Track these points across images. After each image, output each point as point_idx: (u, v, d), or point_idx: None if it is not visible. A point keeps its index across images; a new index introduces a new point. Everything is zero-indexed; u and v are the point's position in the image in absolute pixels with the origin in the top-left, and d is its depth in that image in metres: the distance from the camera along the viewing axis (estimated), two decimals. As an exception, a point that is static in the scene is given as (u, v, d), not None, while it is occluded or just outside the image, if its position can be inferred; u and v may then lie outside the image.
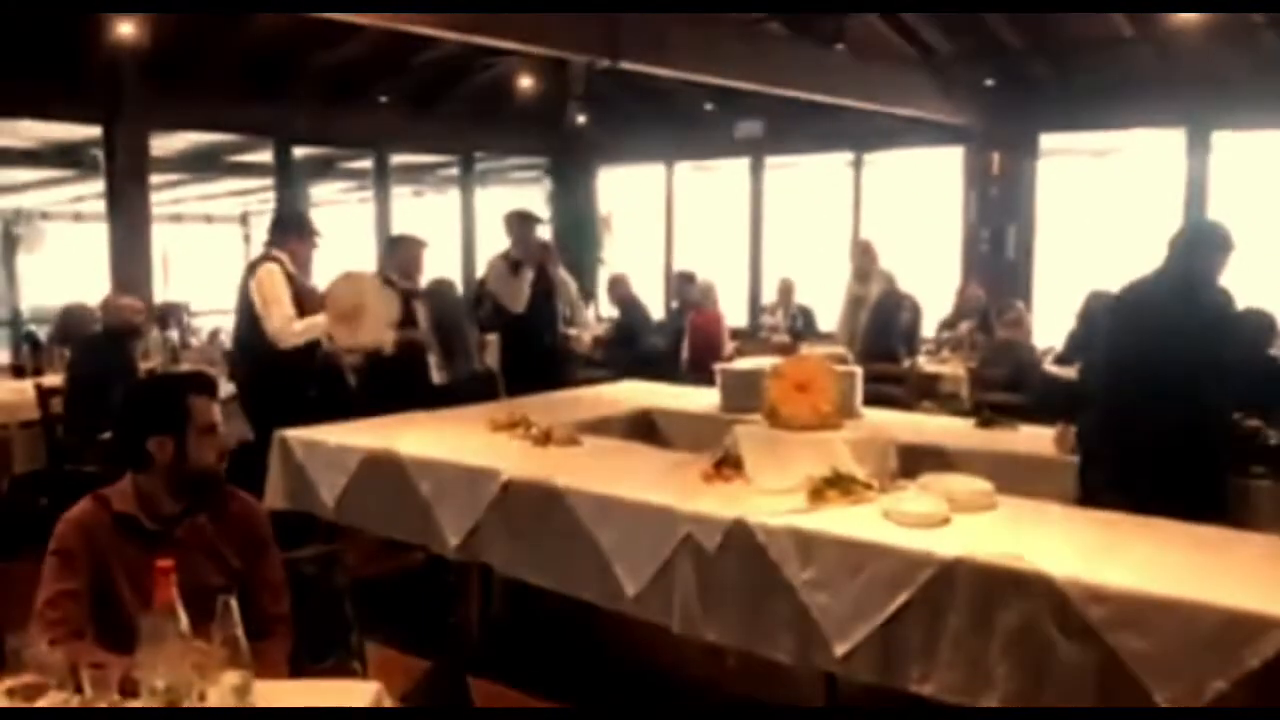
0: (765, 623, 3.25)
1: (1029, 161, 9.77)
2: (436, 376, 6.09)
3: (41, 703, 1.86)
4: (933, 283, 9.45)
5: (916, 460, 4.09)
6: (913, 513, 3.19)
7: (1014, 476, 3.94)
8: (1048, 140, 9.85)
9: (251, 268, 5.65)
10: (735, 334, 9.61)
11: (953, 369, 7.44)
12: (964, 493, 3.38)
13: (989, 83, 9.25)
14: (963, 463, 4.27)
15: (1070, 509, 3.63)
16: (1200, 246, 4.05)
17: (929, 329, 8.64)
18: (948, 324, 8.69)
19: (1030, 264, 9.87)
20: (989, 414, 5.06)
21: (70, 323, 7.69)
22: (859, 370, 4.97)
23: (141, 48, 7.54)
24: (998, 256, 9.81)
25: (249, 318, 5.56)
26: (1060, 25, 8.57)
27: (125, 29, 7.18)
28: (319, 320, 5.54)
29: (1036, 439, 4.62)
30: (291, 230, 5.72)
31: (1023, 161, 9.74)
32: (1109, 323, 4.34)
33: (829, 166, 11.63)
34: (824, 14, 7.83)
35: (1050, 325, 8.94)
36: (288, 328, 5.43)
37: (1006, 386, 6.36)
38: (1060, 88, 9.20)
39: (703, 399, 5.68)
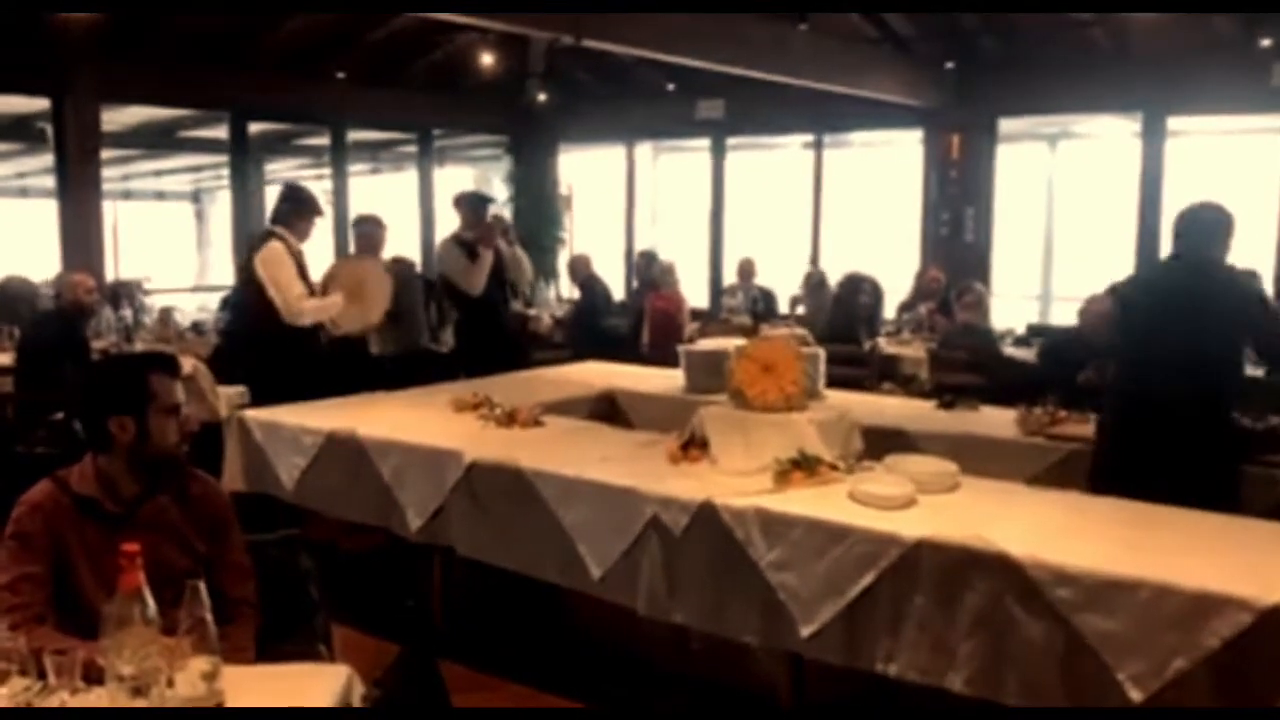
0: (731, 604, 3.26)
1: (988, 144, 9.85)
2: (374, 347, 6.10)
3: (3, 690, 1.82)
4: (892, 265, 9.52)
5: (879, 442, 4.11)
6: (878, 494, 3.20)
7: (976, 458, 3.97)
8: (1006, 124, 9.93)
9: (255, 247, 5.64)
10: (696, 315, 9.61)
11: (913, 351, 7.49)
12: (928, 474, 3.40)
13: (949, 65, 9.29)
14: (925, 444, 4.31)
15: (1033, 490, 3.68)
16: (1215, 229, 4.02)
17: (889, 311, 8.70)
18: (907, 306, 8.75)
19: (989, 247, 9.96)
20: (950, 396, 5.10)
21: (9, 297, 7.52)
22: (822, 352, 4.98)
23: (93, 18, 7.38)
24: (957, 239, 9.88)
25: (252, 295, 5.53)
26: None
27: (76, -2, 7.03)
28: (335, 300, 5.60)
29: (997, 420, 4.67)
30: (294, 207, 5.67)
31: (982, 144, 9.81)
32: (1128, 312, 4.17)
33: (790, 148, 11.67)
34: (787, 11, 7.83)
35: (1009, 308, 9.05)
36: (299, 305, 5.43)
37: (966, 368, 6.41)
38: (1019, 71, 9.27)
39: (665, 380, 5.67)
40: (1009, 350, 7.43)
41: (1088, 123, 10.78)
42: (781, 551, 3.13)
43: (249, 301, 5.61)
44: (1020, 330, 8.45)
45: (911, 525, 3.00)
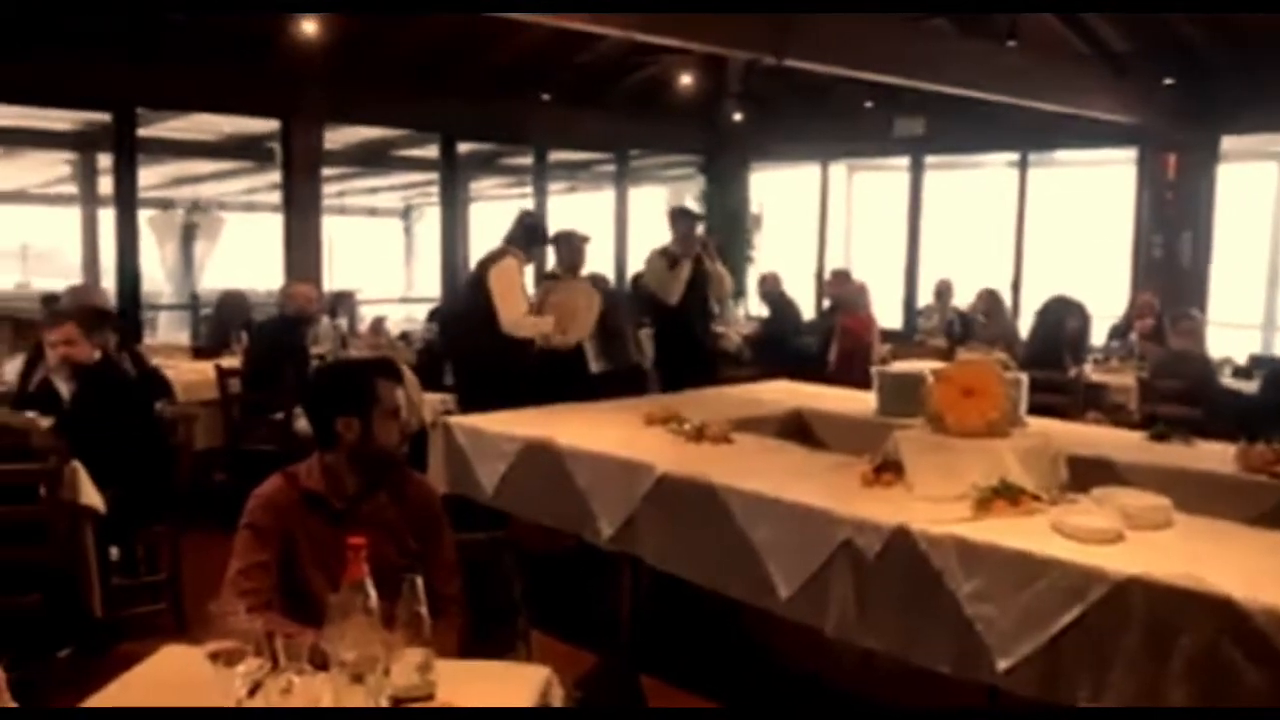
0: (924, 632, 3.19)
1: (1209, 163, 9.29)
2: (594, 365, 6.35)
3: (240, 668, 1.97)
4: (1100, 289, 9.12)
5: (1084, 473, 3.93)
6: (1085, 527, 3.07)
7: (1190, 494, 3.74)
8: (1230, 142, 9.35)
9: (490, 260, 6.10)
10: (887, 336, 9.45)
11: (1121, 379, 7.15)
12: (1139, 508, 3.24)
13: (1168, 81, 8.82)
14: (1134, 477, 4.09)
15: (1254, 530, 3.44)
16: None
17: (1096, 337, 8.34)
18: (1118, 332, 8.36)
19: (1206, 272, 9.39)
20: (1163, 427, 4.84)
21: (227, 308, 8.14)
22: (1024, 377, 4.82)
23: (319, 45, 7.89)
24: (1172, 263, 9.36)
25: (478, 303, 5.96)
26: (1247, 19, 8.11)
27: (307, 27, 7.53)
28: (548, 320, 6.10)
29: (1215, 455, 4.39)
30: (529, 233, 6.23)
31: (1202, 163, 9.26)
32: None
33: (993, 166, 11.34)
34: (998, 12, 7.61)
35: (1228, 336, 8.51)
36: (523, 320, 5.94)
37: (1180, 399, 6.07)
38: (1247, 86, 8.71)
39: (856, 401, 5.60)
40: (1227, 381, 7.00)
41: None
42: (980, 582, 3.04)
43: (475, 309, 5.98)
44: (1241, 360, 7.94)
45: (1120, 561, 2.87)
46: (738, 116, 10.47)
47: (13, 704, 1.98)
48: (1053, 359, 6.76)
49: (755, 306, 11.39)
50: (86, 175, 12.66)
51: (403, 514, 2.69)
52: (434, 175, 11.64)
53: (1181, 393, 6.12)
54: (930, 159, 11.25)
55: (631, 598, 4.51)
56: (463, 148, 11.31)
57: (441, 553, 2.71)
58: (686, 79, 9.92)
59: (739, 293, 11.88)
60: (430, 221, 14.70)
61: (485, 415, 4.91)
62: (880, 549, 3.26)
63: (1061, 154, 11.06)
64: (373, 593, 2.01)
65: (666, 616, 4.50)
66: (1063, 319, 7.04)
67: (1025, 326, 8.24)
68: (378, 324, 8.72)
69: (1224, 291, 9.58)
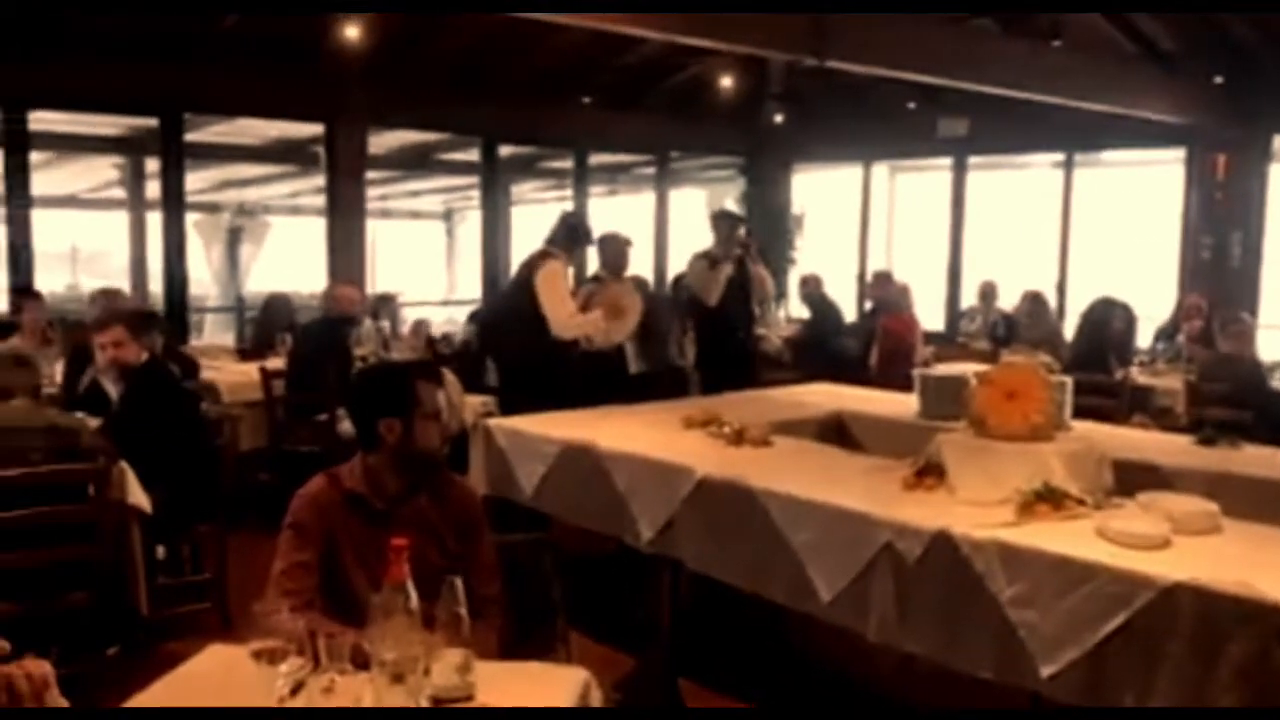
0: (966, 637, 3.16)
1: (1260, 163, 9.13)
2: (634, 367, 6.38)
3: (283, 667, 1.99)
4: (1146, 290, 8.99)
5: (1130, 477, 3.87)
6: (1130, 532, 3.03)
7: (1238, 499, 3.67)
8: (1282, 142, 9.20)
9: (534, 262, 6.11)
10: (930, 338, 9.37)
11: (1168, 382, 7.05)
12: (1186, 514, 3.19)
13: (1218, 80, 8.68)
14: (1181, 482, 4.02)
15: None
16: None
17: (1143, 339, 8.23)
18: (1165, 334, 8.23)
19: (1257, 273, 9.23)
20: (1211, 431, 4.76)
21: (272, 311, 8.24)
22: (1069, 380, 4.76)
23: (362, 50, 7.96)
24: (1221, 264, 9.21)
25: (525, 305, 5.98)
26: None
27: (350, 32, 7.60)
28: (596, 317, 6.10)
29: (1264, 460, 4.33)
30: (571, 234, 6.22)
31: (1253, 163, 9.11)
32: None
33: (1038, 167, 11.22)
34: (1041, 11, 7.53)
35: (1279, 339, 8.35)
36: (571, 321, 5.95)
37: (1229, 402, 5.97)
38: (1298, 85, 8.56)
39: (897, 404, 5.56)
40: (1278, 384, 6.87)
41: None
42: (1022, 587, 3.00)
43: (519, 310, 6.01)
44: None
45: (1166, 567, 2.82)
46: (779, 118, 10.44)
47: (63, 701, 2.01)
48: (1098, 361, 6.67)
49: (796, 308, 11.35)
50: (134, 179, 12.88)
51: (443, 515, 2.71)
52: (475, 179, 11.72)
53: (1230, 396, 6.02)
54: (974, 159, 11.14)
55: (671, 600, 4.50)
56: (504, 151, 11.37)
57: (481, 554, 2.72)
58: (727, 80, 9.91)
59: (780, 295, 11.85)
60: (472, 224, 14.79)
61: (525, 417, 4.93)
62: (922, 553, 3.23)
63: (1108, 154, 10.92)
64: (413, 593, 2.02)
65: (706, 620, 4.49)
66: (1108, 320, 6.94)
67: (1070, 328, 8.14)
68: (419, 326, 8.79)
69: (1276, 293, 9.41)
